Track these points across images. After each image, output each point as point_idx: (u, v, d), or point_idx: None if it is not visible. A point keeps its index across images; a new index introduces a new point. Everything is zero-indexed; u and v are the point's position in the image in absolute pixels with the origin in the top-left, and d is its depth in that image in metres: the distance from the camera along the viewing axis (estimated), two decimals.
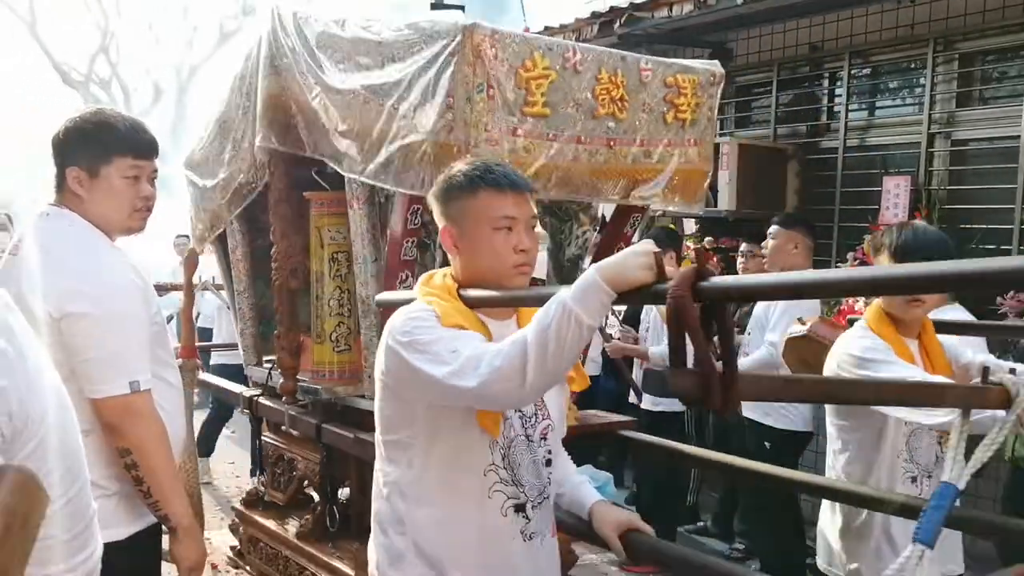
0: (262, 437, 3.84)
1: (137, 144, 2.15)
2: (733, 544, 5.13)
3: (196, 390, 4.36)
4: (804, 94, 6.16)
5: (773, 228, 4.39)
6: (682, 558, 1.88)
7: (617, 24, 5.90)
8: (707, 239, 6.05)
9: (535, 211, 1.87)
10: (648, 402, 4.81)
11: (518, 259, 1.78)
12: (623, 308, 5.49)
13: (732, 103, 6.53)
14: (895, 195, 5.01)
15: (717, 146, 5.77)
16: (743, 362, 4.30)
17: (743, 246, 5.07)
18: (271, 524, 3.54)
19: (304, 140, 3.04)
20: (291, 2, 3.20)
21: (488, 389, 1.57)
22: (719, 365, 1.35)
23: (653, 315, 4.73)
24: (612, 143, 2.73)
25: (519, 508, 1.79)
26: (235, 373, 4.60)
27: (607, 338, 4.97)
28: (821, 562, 2.80)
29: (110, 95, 20.79)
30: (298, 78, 3.00)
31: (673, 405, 4.77)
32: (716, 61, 3.20)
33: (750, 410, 4.33)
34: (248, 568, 3.87)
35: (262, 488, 3.82)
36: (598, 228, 3.71)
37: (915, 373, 2.30)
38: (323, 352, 3.28)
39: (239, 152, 3.53)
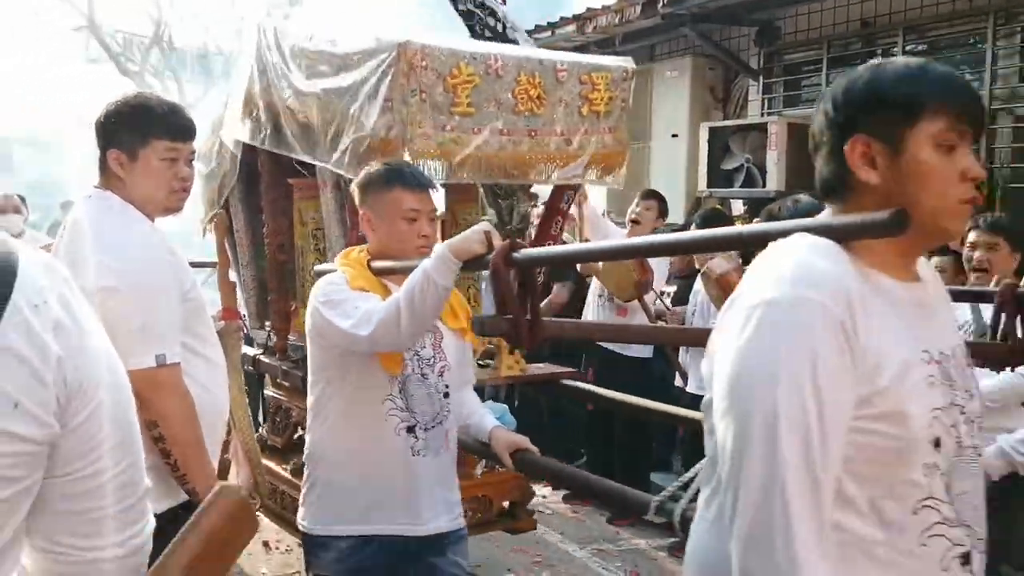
0: (265, 391, 4.38)
1: (174, 127, 2.21)
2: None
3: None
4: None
5: (826, 211, 4.30)
6: (557, 470, 2.45)
7: (661, 4, 5.82)
8: (755, 220, 5.96)
9: (435, 205, 2.35)
10: (693, 386, 4.76)
11: (420, 243, 2.27)
12: (672, 290, 5.45)
13: (780, 82, 6.42)
14: None
15: (764, 125, 5.70)
16: None
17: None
18: (272, 464, 3.82)
19: (279, 136, 3.50)
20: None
21: (376, 335, 2.08)
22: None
23: (701, 297, 4.67)
24: (533, 133, 3.24)
25: (410, 429, 2.26)
26: None
27: (654, 320, 4.93)
28: None
29: (164, 84, 21.17)
30: (277, 82, 3.48)
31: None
32: (629, 58, 3.58)
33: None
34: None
35: (265, 434, 4.16)
36: (535, 205, 4.29)
37: None
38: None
39: (223, 147, 4.05)
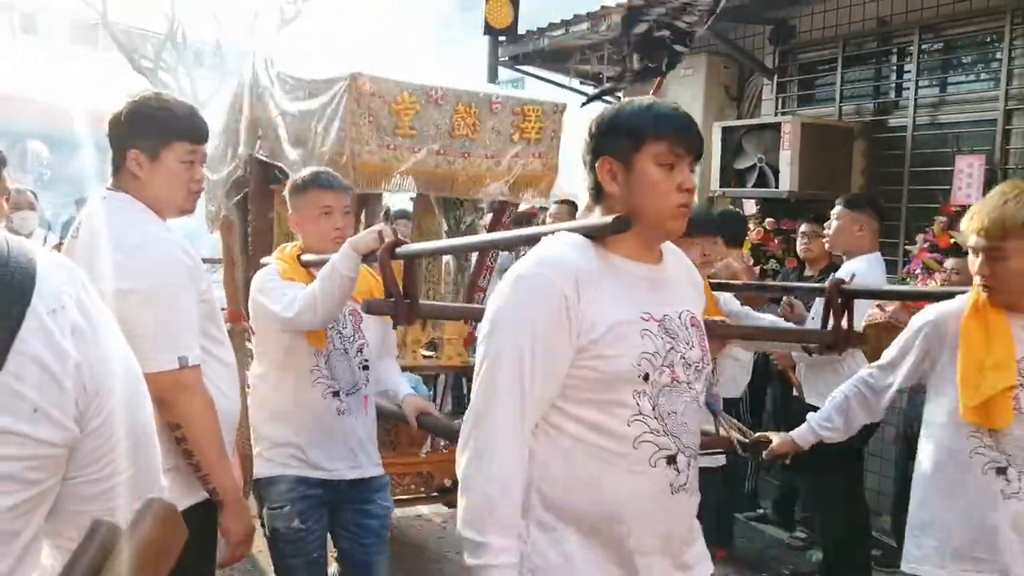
0: None
1: (194, 129, 2.23)
2: (794, 532, 5.03)
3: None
4: (871, 71, 5.95)
5: (837, 209, 4.24)
6: (452, 429, 2.70)
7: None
8: (768, 220, 5.90)
9: (348, 202, 2.86)
10: None
11: (335, 235, 2.74)
12: None
13: (795, 81, 6.36)
14: (968, 175, 4.80)
15: (778, 125, 5.64)
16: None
17: (803, 227, 4.93)
18: None
19: (270, 147, 4.15)
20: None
21: (297, 317, 2.57)
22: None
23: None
24: (467, 155, 3.87)
25: (335, 394, 2.73)
26: None
27: None
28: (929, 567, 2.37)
29: (177, 81, 21.22)
30: (268, 101, 4.10)
31: (727, 391, 4.67)
32: (565, 103, 4.16)
33: (813, 397, 4.20)
34: None
35: None
36: (482, 216, 4.89)
37: None
38: None
39: (236, 155, 4.60)
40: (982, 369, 2.29)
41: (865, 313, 3.55)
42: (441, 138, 3.76)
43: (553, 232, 1.78)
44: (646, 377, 1.66)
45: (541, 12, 8.45)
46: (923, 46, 5.42)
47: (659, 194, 1.68)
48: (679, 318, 1.74)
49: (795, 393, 4.35)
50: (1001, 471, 2.29)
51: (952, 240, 4.68)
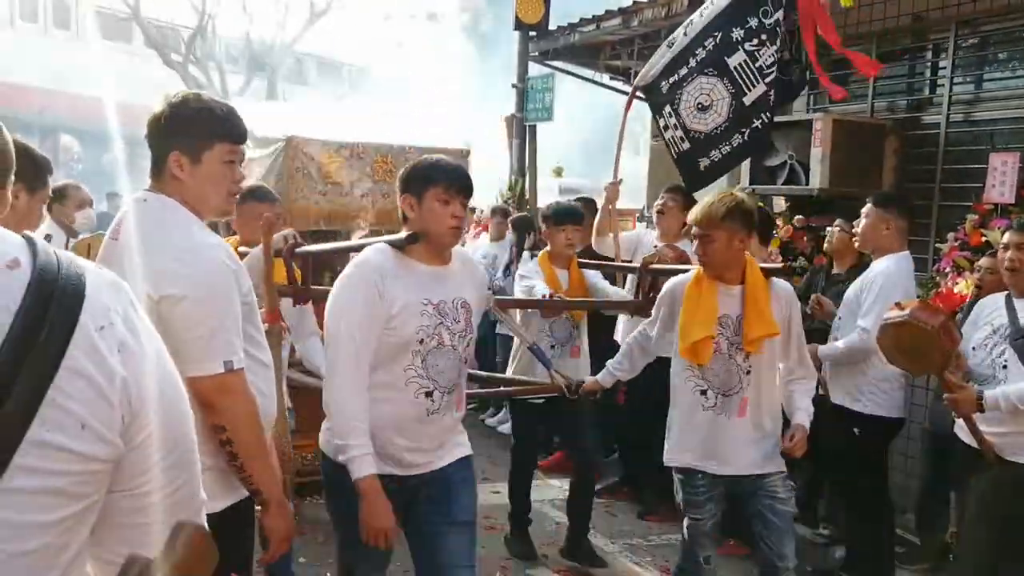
0: None
1: (235, 130, 2.22)
2: (817, 529, 5.01)
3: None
4: (905, 67, 5.90)
5: (867, 207, 4.21)
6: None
7: None
8: (797, 217, 5.87)
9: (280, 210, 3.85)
10: None
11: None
12: None
13: (828, 77, 6.30)
14: (1002, 172, 4.75)
15: (809, 122, 5.60)
16: (834, 347, 4.16)
17: (837, 221, 4.90)
18: None
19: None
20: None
21: None
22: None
23: None
24: (386, 196, 5.46)
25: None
26: None
27: None
28: None
29: (207, 75, 21.39)
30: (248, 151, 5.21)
31: None
32: (469, 143, 5.61)
33: (839, 395, 4.19)
34: None
35: None
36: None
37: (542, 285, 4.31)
38: None
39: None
40: (692, 322, 3.25)
41: (884, 312, 3.53)
42: (363, 183, 5.21)
43: (371, 243, 2.73)
44: (421, 341, 2.59)
45: (572, 7, 8.46)
46: (959, 42, 5.37)
47: (437, 220, 2.60)
48: (451, 303, 2.65)
49: (821, 392, 4.33)
50: (703, 392, 3.30)
51: (984, 238, 4.64)
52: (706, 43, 4.59)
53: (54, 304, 1.01)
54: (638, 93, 4.85)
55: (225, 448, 2.07)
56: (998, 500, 3.29)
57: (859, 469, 4.17)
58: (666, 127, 4.83)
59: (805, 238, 5.79)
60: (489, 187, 9.13)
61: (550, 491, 5.67)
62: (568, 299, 4.31)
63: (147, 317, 1.15)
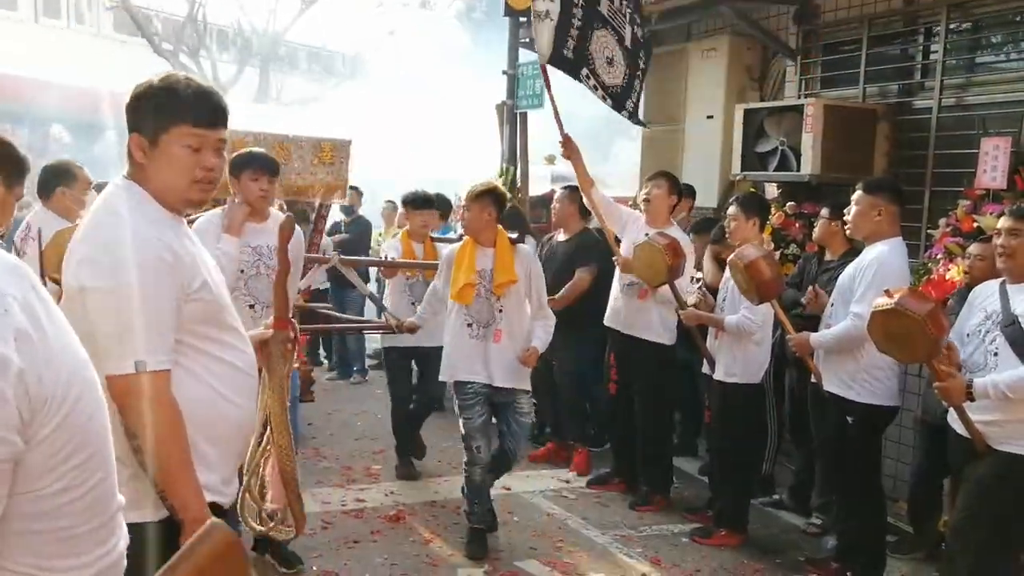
0: None
1: (199, 112, 2.01)
2: (810, 519, 4.98)
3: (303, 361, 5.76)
4: (896, 51, 5.84)
5: (856, 194, 4.15)
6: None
7: None
8: (789, 204, 5.82)
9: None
10: (721, 373, 4.67)
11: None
12: (701, 275, 5.33)
13: (818, 62, 6.25)
14: (994, 157, 4.70)
15: (801, 107, 5.55)
16: (826, 334, 4.12)
17: (822, 211, 4.85)
18: None
19: None
20: None
21: None
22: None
23: (731, 285, 4.57)
24: (299, 174, 5.50)
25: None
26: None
27: (683, 305, 4.84)
28: None
29: (199, 64, 21.24)
30: None
31: (747, 376, 4.62)
32: (350, 139, 5.51)
33: (831, 383, 4.15)
34: None
35: None
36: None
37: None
38: None
39: None
40: (459, 272, 4.45)
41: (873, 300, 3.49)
42: (294, 169, 5.52)
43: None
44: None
45: None
46: (951, 25, 5.31)
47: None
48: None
49: (813, 380, 4.30)
50: (469, 325, 4.48)
51: (975, 224, 4.59)
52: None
53: None
54: (546, 68, 4.77)
55: (137, 456, 1.91)
56: (990, 489, 3.25)
57: (851, 458, 4.13)
58: (595, 87, 4.91)
59: (797, 224, 5.74)
60: (482, 175, 9.06)
61: (540, 481, 5.63)
62: (402, 261, 5.66)
63: (54, 304, 1.07)
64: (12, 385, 0.96)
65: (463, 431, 4.46)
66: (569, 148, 4.96)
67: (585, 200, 5.28)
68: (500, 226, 4.51)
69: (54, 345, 1.02)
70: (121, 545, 1.11)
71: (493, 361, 4.42)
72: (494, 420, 4.55)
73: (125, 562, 1.12)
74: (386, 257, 5.83)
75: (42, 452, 1.01)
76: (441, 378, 4.65)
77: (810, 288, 4.55)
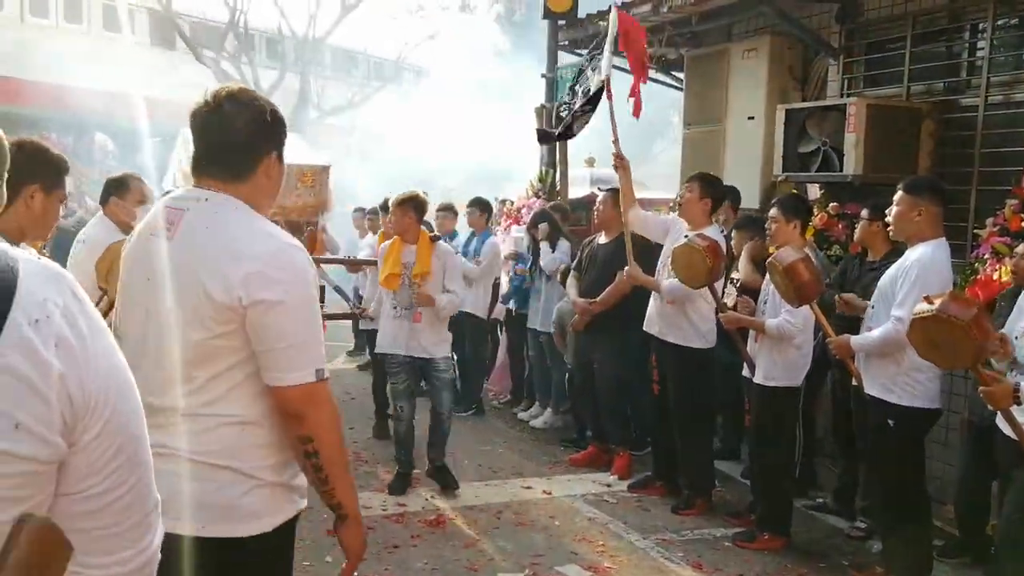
0: None
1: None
2: (855, 522, 4.93)
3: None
4: (941, 49, 5.75)
5: (897, 194, 4.09)
6: None
7: None
8: (831, 205, 5.76)
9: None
10: (761, 376, 4.64)
11: None
12: (738, 276, 5.30)
13: (861, 61, 6.18)
14: None
15: (843, 107, 5.49)
16: (867, 337, 4.08)
17: (863, 212, 4.79)
18: None
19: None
20: None
21: None
22: None
23: (772, 288, 4.54)
24: (298, 197, 6.72)
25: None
26: None
27: (723, 308, 4.81)
28: None
29: (240, 70, 21.54)
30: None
31: (788, 380, 4.58)
32: (330, 164, 7.07)
33: (872, 386, 4.10)
34: None
35: None
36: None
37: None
38: None
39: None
40: (386, 265, 5.37)
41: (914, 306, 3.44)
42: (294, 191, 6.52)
43: None
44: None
45: None
46: (997, 22, 5.22)
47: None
48: None
49: (855, 383, 4.25)
50: (395, 307, 5.38)
51: None
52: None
53: None
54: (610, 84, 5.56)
55: (310, 460, 2.00)
56: None
57: (895, 461, 4.08)
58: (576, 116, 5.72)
59: (840, 225, 5.68)
60: (523, 179, 9.09)
61: (581, 485, 5.64)
62: (361, 259, 7.41)
63: (94, 309, 1.09)
64: (54, 389, 1.00)
65: (389, 393, 5.53)
66: (621, 165, 5.35)
67: (623, 215, 5.40)
68: (423, 227, 5.50)
69: (93, 350, 1.05)
70: (156, 543, 1.15)
71: (414, 337, 5.31)
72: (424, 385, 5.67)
73: (159, 557, 1.16)
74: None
75: (88, 455, 1.04)
76: (376, 351, 5.79)
77: (837, 297, 4.53)
